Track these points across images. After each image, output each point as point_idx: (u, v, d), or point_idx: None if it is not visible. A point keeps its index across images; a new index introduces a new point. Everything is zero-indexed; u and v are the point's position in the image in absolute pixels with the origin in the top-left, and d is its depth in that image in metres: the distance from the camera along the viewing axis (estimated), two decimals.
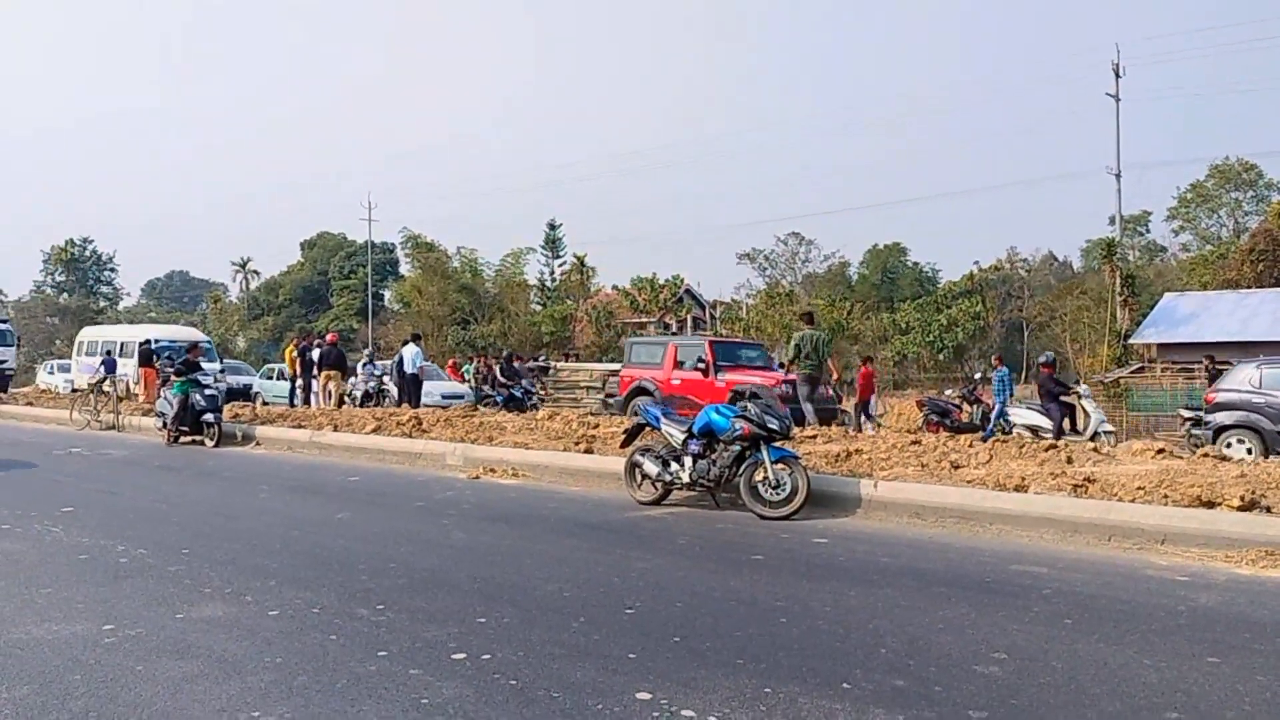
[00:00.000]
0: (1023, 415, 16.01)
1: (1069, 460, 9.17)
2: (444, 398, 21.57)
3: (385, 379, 21.92)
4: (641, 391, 17.11)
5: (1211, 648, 4.54)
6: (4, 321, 30.85)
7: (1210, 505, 7.11)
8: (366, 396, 21.04)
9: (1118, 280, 37.40)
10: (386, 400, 21.08)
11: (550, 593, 5.41)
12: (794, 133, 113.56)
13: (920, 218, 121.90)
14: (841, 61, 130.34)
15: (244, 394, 25.85)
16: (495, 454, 11.21)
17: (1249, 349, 23.87)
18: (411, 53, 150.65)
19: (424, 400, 19.74)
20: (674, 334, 33.67)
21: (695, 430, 8.67)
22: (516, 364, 22.60)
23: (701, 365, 16.29)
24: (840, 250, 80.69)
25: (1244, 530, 6.64)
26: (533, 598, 5.30)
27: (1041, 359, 16.37)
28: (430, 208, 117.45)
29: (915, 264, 70.63)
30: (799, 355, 14.15)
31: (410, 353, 19.63)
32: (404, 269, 65.56)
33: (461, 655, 4.28)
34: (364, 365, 21.98)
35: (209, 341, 28.47)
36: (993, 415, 17.56)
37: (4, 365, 27.70)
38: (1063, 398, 15.65)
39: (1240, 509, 6.95)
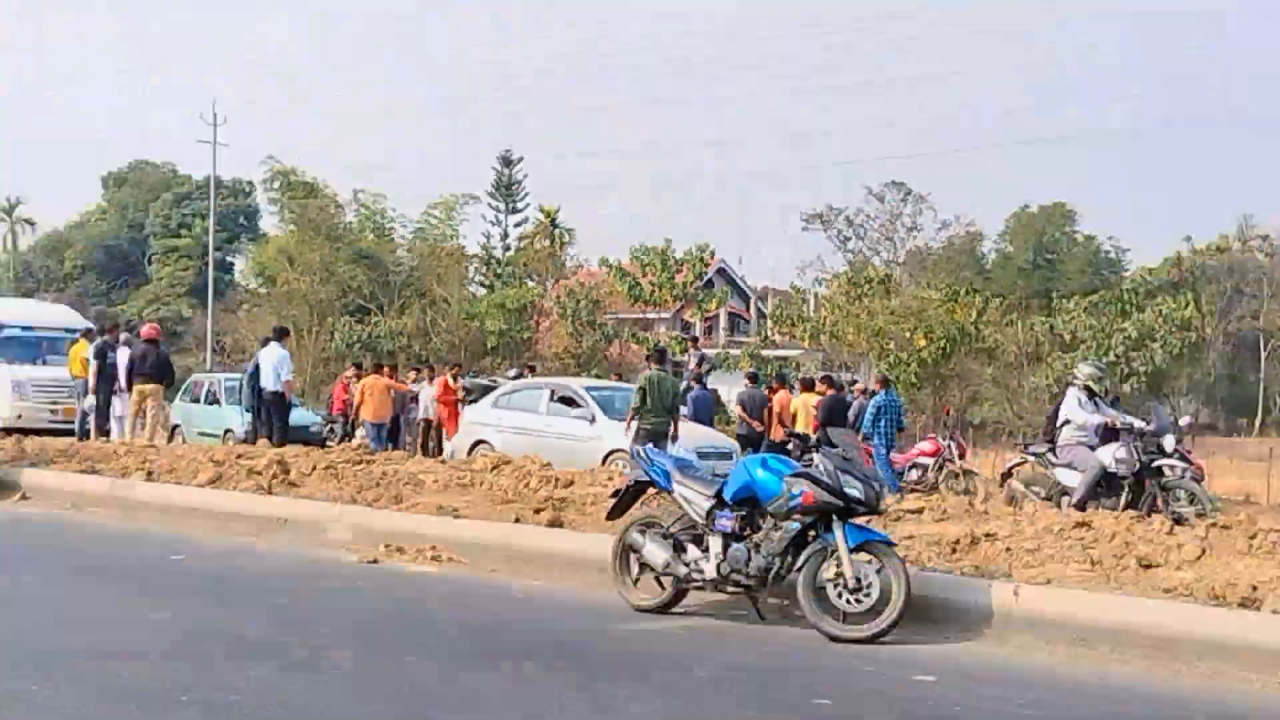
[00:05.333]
0: None
1: None
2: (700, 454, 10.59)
3: None
4: None
5: None
6: None
7: None
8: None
9: None
10: None
11: None
12: (900, 30, 74.68)
13: (1097, 166, 73.68)
14: None
15: None
16: (406, 524, 8.08)
17: None
18: None
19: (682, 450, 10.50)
20: (691, 341, 21.29)
21: (729, 496, 6.28)
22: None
23: None
24: (968, 214, 49.29)
25: None
26: None
27: None
28: (312, 128, 75.09)
29: (1089, 238, 49.64)
30: (643, 405, 11.16)
31: (272, 357, 13.90)
32: (267, 223, 44.77)
33: None
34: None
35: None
36: None
37: None
38: None
39: None
